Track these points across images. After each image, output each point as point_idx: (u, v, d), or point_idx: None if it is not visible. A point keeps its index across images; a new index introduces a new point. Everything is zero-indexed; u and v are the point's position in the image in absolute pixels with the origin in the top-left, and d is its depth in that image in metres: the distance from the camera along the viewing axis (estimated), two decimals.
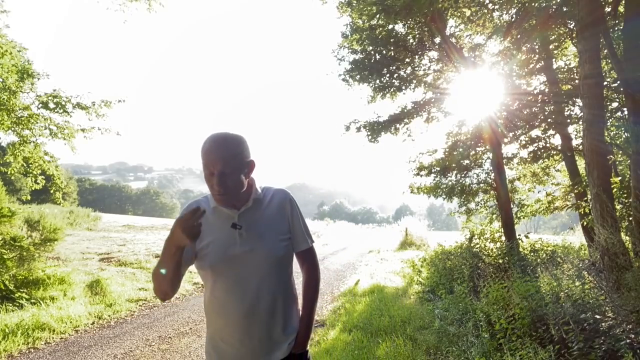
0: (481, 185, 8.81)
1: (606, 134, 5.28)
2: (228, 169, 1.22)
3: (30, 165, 8.02)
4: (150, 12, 8.20)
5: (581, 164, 7.84)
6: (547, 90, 8.24)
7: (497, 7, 7.69)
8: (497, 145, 7.94)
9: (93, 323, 4.75)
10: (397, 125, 9.29)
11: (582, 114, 5.48)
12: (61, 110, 7.51)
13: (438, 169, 8.79)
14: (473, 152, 8.76)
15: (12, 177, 8.94)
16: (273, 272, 1.33)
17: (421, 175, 9.06)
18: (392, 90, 9.20)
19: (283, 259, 1.36)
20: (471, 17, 7.96)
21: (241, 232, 1.31)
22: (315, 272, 1.50)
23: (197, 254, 1.33)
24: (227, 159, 1.22)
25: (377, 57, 8.91)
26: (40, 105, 7.48)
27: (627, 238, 4.79)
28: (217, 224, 1.33)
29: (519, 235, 7.27)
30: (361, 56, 9.11)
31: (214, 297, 1.32)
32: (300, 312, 1.47)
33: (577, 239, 9.18)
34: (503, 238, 7.45)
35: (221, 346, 1.33)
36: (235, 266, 1.29)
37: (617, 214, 4.92)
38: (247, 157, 1.28)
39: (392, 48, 8.72)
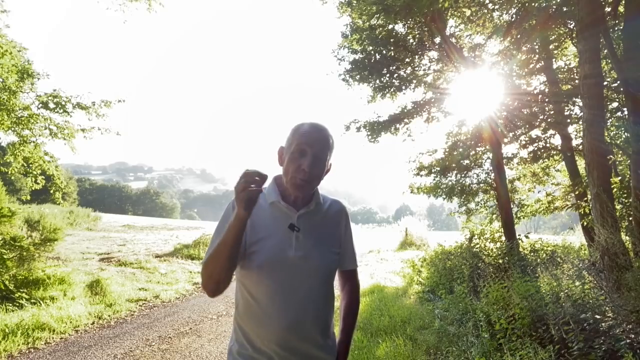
0: (481, 185, 8.81)
1: (606, 134, 5.29)
2: (322, 154, 1.19)
3: (30, 165, 8.03)
4: (150, 12, 8.22)
5: (581, 164, 7.83)
6: (547, 90, 8.23)
7: (497, 7, 7.68)
8: (497, 145, 7.94)
9: (93, 323, 4.75)
10: (397, 125, 9.29)
11: (582, 114, 5.49)
12: (61, 110, 7.52)
13: (438, 169, 8.79)
14: (473, 152, 8.76)
15: (12, 177, 8.94)
16: (322, 284, 1.25)
17: (421, 175, 9.05)
18: (392, 90, 9.20)
19: (332, 273, 1.31)
20: (471, 17, 7.95)
21: (298, 235, 1.22)
22: (358, 295, 1.44)
23: (246, 249, 1.21)
24: (324, 144, 1.20)
25: (377, 57, 8.90)
26: (40, 105, 7.49)
27: (627, 238, 4.78)
28: (272, 221, 1.23)
29: (519, 235, 7.26)
30: (361, 56, 9.11)
31: (254, 301, 1.20)
32: (340, 333, 1.38)
33: (577, 239, 9.18)
34: (503, 238, 7.45)
35: (252, 355, 1.21)
36: (285, 271, 1.19)
37: (617, 214, 4.92)
38: (331, 156, 1.26)
39: (392, 48, 8.72)
